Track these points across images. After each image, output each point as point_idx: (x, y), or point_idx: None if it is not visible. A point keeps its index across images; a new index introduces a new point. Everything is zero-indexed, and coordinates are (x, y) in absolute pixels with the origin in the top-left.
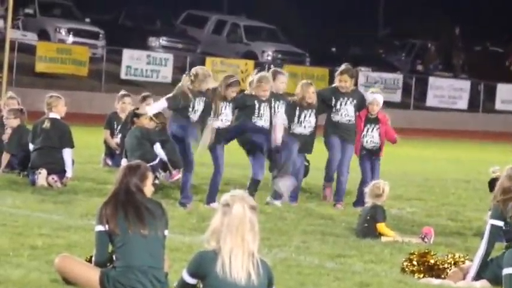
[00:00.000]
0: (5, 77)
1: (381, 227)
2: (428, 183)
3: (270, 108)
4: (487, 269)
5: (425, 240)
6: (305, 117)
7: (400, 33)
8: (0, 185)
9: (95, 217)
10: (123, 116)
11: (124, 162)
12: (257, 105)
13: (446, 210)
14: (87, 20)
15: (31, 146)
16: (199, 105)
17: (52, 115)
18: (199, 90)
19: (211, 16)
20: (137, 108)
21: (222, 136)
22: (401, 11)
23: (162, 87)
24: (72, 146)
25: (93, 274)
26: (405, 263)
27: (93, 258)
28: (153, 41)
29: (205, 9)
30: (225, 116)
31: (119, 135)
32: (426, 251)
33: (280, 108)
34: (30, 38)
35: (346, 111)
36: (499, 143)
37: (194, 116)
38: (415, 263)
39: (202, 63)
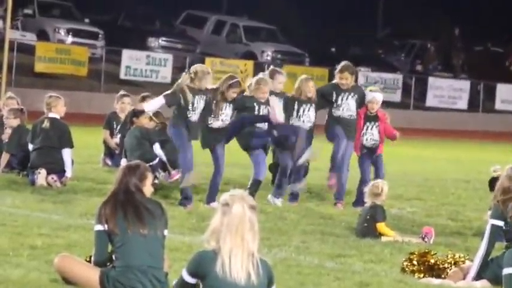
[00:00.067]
0: (4, 77)
1: (381, 226)
2: (428, 183)
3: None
4: (487, 268)
5: (426, 240)
6: (304, 111)
7: (400, 34)
8: (0, 185)
9: (94, 217)
10: (122, 116)
11: (123, 162)
12: (256, 107)
13: (446, 210)
14: (87, 20)
15: (30, 146)
16: (199, 103)
17: (51, 115)
18: (199, 89)
19: (211, 16)
20: (136, 108)
21: (222, 136)
22: (400, 11)
23: (162, 88)
24: (71, 146)
25: (92, 274)
26: (405, 263)
27: (92, 258)
28: (152, 41)
29: (205, 10)
30: (225, 116)
31: (118, 135)
32: (426, 250)
33: (279, 104)
34: (30, 38)
35: (347, 106)
36: (499, 142)
37: (194, 116)
38: (415, 262)
39: (202, 63)
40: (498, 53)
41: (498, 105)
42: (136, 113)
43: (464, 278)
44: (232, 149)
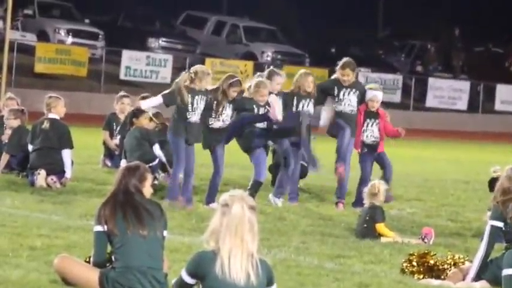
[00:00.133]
0: (4, 77)
1: (380, 227)
2: (427, 184)
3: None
4: (487, 269)
5: (425, 240)
6: (303, 106)
7: (400, 34)
8: (0, 186)
9: (94, 218)
10: (122, 116)
11: (123, 163)
12: (256, 110)
13: (446, 210)
14: (87, 20)
15: (30, 147)
16: (199, 104)
17: (51, 116)
18: (199, 89)
19: (211, 17)
20: (136, 109)
21: (223, 136)
22: (401, 11)
23: (162, 88)
24: (71, 146)
25: (92, 275)
26: (405, 264)
27: (91, 259)
28: (152, 42)
29: (205, 10)
30: (226, 117)
31: (118, 136)
32: (426, 251)
33: (279, 102)
34: (30, 38)
35: (349, 101)
36: (499, 143)
37: (194, 116)
38: (414, 263)
39: (202, 64)
40: (498, 53)
41: (498, 106)
42: (136, 114)
43: (463, 279)
44: (232, 149)
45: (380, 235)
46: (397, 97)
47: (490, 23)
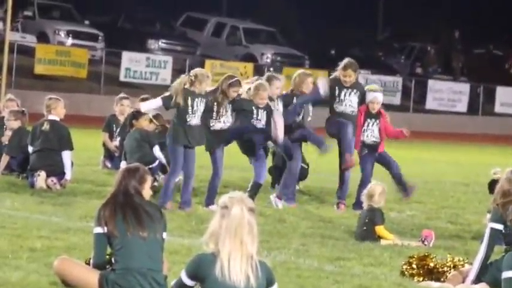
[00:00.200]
0: (4, 79)
1: (380, 229)
2: (427, 186)
3: (268, 114)
4: (487, 272)
5: (426, 242)
6: (304, 107)
7: (400, 36)
8: (0, 187)
9: (93, 219)
10: (121, 118)
11: (123, 164)
12: (255, 111)
13: (446, 213)
14: (87, 22)
15: (30, 148)
16: (199, 106)
17: (51, 117)
18: (199, 92)
19: (211, 18)
20: (136, 111)
21: (222, 138)
22: (400, 13)
23: (161, 90)
24: (71, 148)
25: (92, 276)
26: (404, 266)
27: (91, 261)
28: (152, 44)
29: (205, 12)
30: (226, 118)
31: (118, 138)
32: (425, 254)
33: (279, 105)
34: (30, 40)
35: (350, 102)
36: (498, 145)
37: (194, 119)
38: (414, 266)
39: (202, 65)
40: (498, 55)
41: (498, 108)
42: (136, 116)
43: (463, 282)
44: (232, 151)
45: (380, 237)
46: (396, 99)
47: (490, 25)
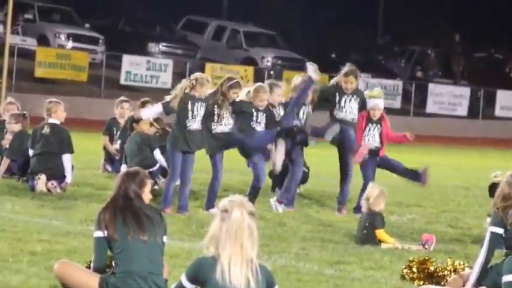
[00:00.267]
0: (4, 82)
1: (380, 233)
2: (428, 190)
3: (270, 117)
4: (487, 276)
5: (426, 246)
6: (303, 113)
7: (400, 40)
8: (0, 191)
9: (94, 223)
10: (122, 121)
11: (123, 168)
12: (255, 113)
13: (446, 217)
14: (87, 25)
15: (30, 152)
16: (199, 111)
17: (51, 120)
18: (199, 96)
19: (211, 22)
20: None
21: (224, 141)
22: (401, 17)
23: (162, 93)
24: (71, 151)
25: (92, 280)
26: (405, 270)
27: (91, 264)
28: (152, 47)
29: (205, 15)
30: (227, 120)
31: (118, 141)
32: (426, 258)
33: (281, 112)
34: (30, 43)
35: (350, 109)
36: (499, 149)
37: (194, 124)
38: (414, 270)
39: (202, 69)
40: (498, 59)
41: (498, 112)
42: (137, 119)
43: (463, 285)
44: (231, 154)
45: (380, 241)
46: (397, 103)
47: (491, 29)
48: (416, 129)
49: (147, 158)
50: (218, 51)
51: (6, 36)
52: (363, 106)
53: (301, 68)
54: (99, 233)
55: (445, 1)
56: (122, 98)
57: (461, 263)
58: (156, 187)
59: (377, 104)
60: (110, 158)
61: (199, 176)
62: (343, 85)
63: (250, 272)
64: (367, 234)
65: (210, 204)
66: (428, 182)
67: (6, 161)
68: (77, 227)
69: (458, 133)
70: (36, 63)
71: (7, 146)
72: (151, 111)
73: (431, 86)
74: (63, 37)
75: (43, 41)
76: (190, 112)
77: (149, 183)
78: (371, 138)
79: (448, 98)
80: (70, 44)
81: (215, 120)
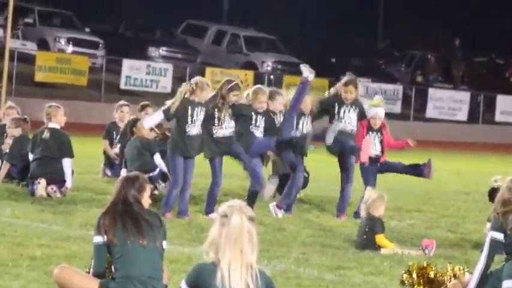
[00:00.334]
0: (4, 86)
1: (380, 238)
2: (427, 195)
3: (269, 122)
4: (487, 281)
5: (426, 251)
6: (302, 124)
7: (400, 44)
8: (0, 195)
9: (93, 228)
10: (121, 125)
11: (123, 172)
12: (254, 117)
13: (446, 222)
14: (87, 29)
15: (31, 156)
16: (199, 116)
17: (51, 125)
18: (199, 101)
19: (211, 26)
20: (136, 119)
21: (225, 146)
22: (401, 22)
23: (162, 98)
24: (71, 156)
25: (92, 285)
26: (405, 275)
27: (91, 269)
28: (152, 51)
29: (205, 19)
30: (228, 123)
31: (118, 145)
32: (426, 263)
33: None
34: (30, 47)
35: (349, 120)
36: (499, 154)
37: (194, 129)
38: (414, 275)
39: (202, 73)
40: (498, 64)
41: (498, 117)
42: (137, 123)
43: None
44: (231, 159)
45: (380, 246)
46: (397, 107)
47: (491, 33)
48: (416, 134)
49: (147, 162)
50: (218, 55)
51: (6, 40)
52: (362, 117)
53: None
54: (98, 238)
55: (445, 6)
56: (122, 102)
57: (461, 268)
58: (156, 192)
59: (378, 112)
60: (109, 163)
61: (199, 181)
62: (342, 95)
63: (250, 277)
64: (367, 240)
65: (209, 209)
66: (432, 175)
67: (6, 166)
68: (77, 231)
69: (458, 138)
70: (36, 67)
71: (7, 151)
72: (153, 120)
73: (432, 91)
74: (63, 41)
75: (43, 45)
76: (190, 117)
77: (149, 188)
78: (372, 146)
79: (448, 102)
80: (70, 48)
81: (216, 124)
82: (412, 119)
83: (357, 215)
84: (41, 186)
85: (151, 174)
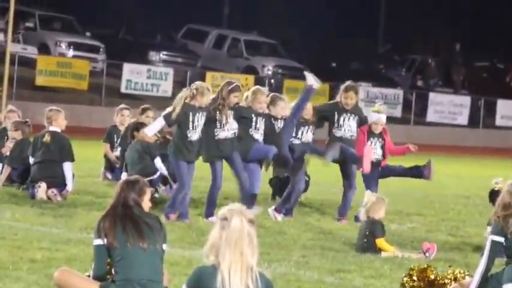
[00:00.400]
0: (5, 90)
1: (381, 242)
2: (428, 199)
3: (269, 127)
4: (487, 285)
5: (427, 254)
6: (302, 133)
7: (401, 49)
8: (0, 198)
9: (94, 231)
10: (122, 128)
11: (124, 175)
12: (254, 119)
13: (446, 225)
14: (88, 33)
15: (31, 160)
16: (199, 121)
17: (52, 128)
18: (199, 106)
19: (212, 30)
20: (137, 122)
21: (226, 148)
22: (401, 26)
23: (162, 102)
24: (72, 159)
25: None
26: (405, 279)
27: (91, 272)
28: (153, 55)
29: (206, 24)
30: (230, 125)
31: (119, 149)
32: (426, 266)
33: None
34: (31, 51)
35: (349, 127)
36: (499, 158)
37: (195, 135)
38: (415, 278)
39: (203, 77)
40: (499, 68)
41: (498, 121)
42: (138, 127)
43: None
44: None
45: (380, 250)
46: (397, 112)
47: (492, 38)
48: (417, 138)
49: (148, 166)
50: (219, 59)
51: (7, 45)
52: (361, 124)
53: (302, 77)
54: (98, 241)
55: (446, 10)
56: (122, 105)
57: (462, 271)
58: (156, 195)
59: (380, 118)
60: (110, 166)
61: (199, 184)
62: (343, 101)
63: (250, 280)
64: (368, 243)
65: (209, 212)
66: (432, 176)
67: (7, 169)
68: (77, 234)
69: (458, 142)
70: (37, 71)
71: (7, 154)
72: (154, 127)
73: (432, 95)
74: (63, 45)
75: (44, 49)
76: (191, 123)
77: (149, 191)
78: (373, 151)
79: (448, 107)
80: (71, 53)
81: (218, 126)
82: (412, 123)
83: (357, 218)
84: (42, 190)
85: (151, 177)
